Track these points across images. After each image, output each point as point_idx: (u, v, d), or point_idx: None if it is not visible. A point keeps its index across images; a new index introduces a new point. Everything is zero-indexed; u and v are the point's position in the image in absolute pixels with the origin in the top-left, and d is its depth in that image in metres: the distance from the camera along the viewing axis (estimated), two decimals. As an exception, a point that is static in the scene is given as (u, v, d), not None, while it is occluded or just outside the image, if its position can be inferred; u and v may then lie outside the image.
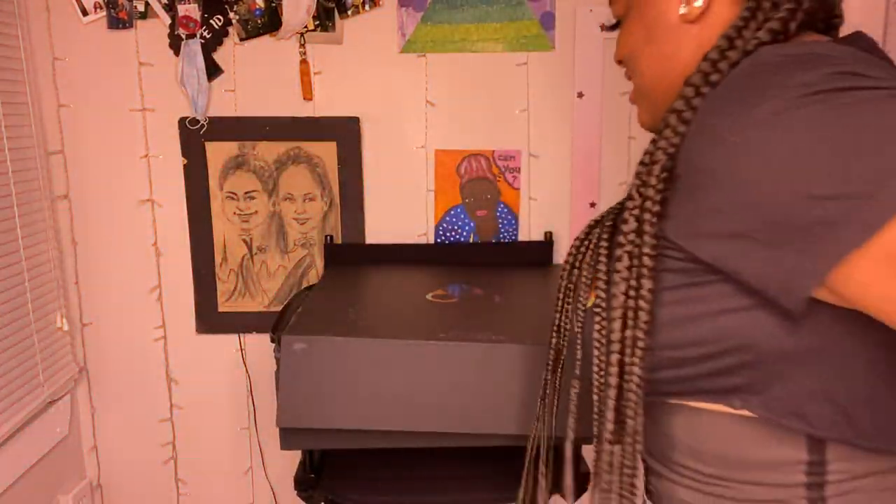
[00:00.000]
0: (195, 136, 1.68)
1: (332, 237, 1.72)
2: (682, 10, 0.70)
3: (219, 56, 1.65)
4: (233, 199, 1.72)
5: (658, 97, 0.75)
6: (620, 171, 1.71)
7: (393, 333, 1.18)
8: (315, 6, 1.60)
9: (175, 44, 1.63)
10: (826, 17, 0.73)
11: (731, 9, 0.69)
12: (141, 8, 1.61)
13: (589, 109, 1.67)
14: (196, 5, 1.60)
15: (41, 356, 1.62)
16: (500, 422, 1.15)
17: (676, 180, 0.65)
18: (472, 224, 1.73)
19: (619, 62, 0.81)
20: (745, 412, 0.67)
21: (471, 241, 1.74)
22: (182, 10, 1.60)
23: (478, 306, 1.36)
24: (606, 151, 1.70)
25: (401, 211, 1.73)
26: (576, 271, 0.80)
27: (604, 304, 0.71)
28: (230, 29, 1.63)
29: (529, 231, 1.73)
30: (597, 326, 0.72)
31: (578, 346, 0.78)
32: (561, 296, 0.82)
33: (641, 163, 0.69)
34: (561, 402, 0.85)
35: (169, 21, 1.62)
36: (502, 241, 1.74)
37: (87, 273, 1.76)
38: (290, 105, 1.67)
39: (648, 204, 0.66)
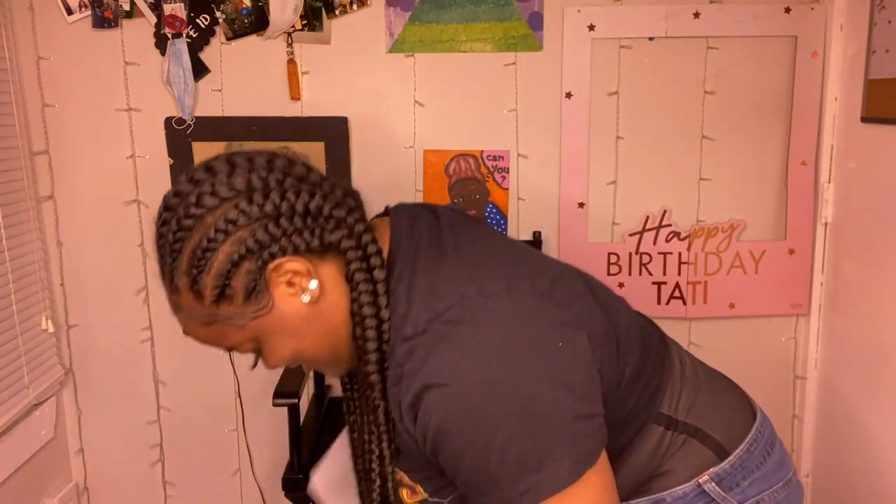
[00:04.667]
0: (182, 136, 1.67)
1: (320, 237, 1.71)
2: (307, 299, 0.79)
3: (205, 55, 1.64)
4: (220, 199, 1.71)
5: (342, 358, 0.85)
6: (608, 172, 1.72)
7: None
8: (302, 6, 1.59)
9: (161, 43, 1.62)
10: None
11: (330, 267, 0.80)
12: (126, 7, 1.60)
13: (577, 109, 1.67)
14: (182, 4, 1.59)
15: (26, 358, 1.60)
16: None
17: None
18: (460, 224, 1.73)
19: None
20: None
21: (459, 241, 1.74)
22: (168, 9, 1.59)
23: None
24: (594, 151, 1.71)
25: (389, 211, 1.73)
26: None
27: None
28: (217, 28, 1.62)
29: (518, 231, 1.74)
30: None
31: None
32: None
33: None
34: None
35: (155, 20, 1.60)
36: (491, 241, 1.73)
37: (73, 274, 1.74)
38: (277, 105, 1.67)
39: None
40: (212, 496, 1.88)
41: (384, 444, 0.83)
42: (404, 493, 0.85)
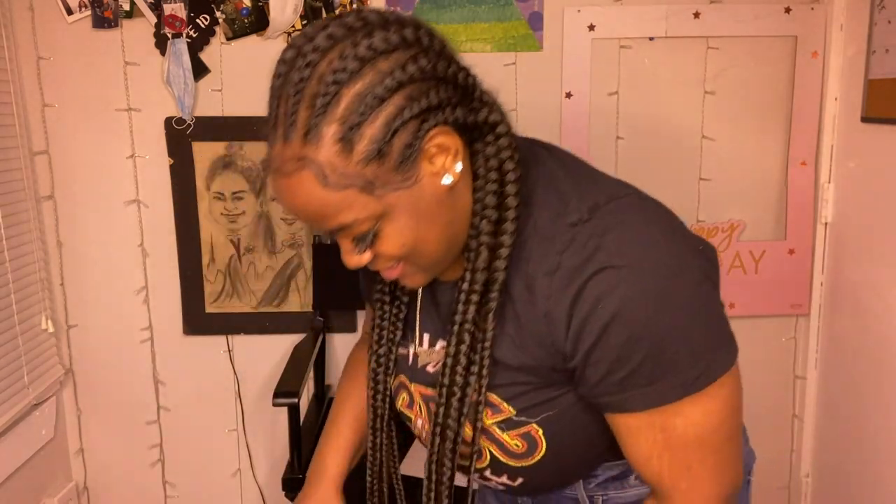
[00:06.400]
0: (182, 136, 1.67)
1: (320, 237, 1.71)
2: (448, 181, 0.72)
3: (205, 55, 1.64)
4: (220, 199, 1.71)
5: (452, 253, 0.79)
6: (608, 171, 1.71)
7: None
8: (302, 6, 1.59)
9: (161, 43, 1.62)
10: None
11: (465, 155, 0.75)
12: (126, 7, 1.60)
13: (577, 109, 1.67)
14: (182, 4, 1.59)
15: (26, 358, 1.60)
16: None
17: None
18: (460, 224, 1.73)
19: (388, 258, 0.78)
20: None
21: (459, 241, 1.73)
22: (168, 9, 1.59)
23: None
24: (594, 151, 1.71)
25: (389, 211, 1.73)
26: None
27: None
28: (217, 28, 1.62)
29: (518, 231, 1.73)
30: None
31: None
32: None
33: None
34: None
35: (155, 20, 1.60)
36: (491, 241, 1.73)
37: (73, 274, 1.74)
38: (277, 105, 1.66)
39: None
40: (212, 496, 1.88)
41: (485, 353, 0.77)
42: (484, 413, 0.80)
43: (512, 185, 0.75)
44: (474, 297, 0.76)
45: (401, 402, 0.91)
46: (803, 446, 1.80)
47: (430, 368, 0.87)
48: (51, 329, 1.69)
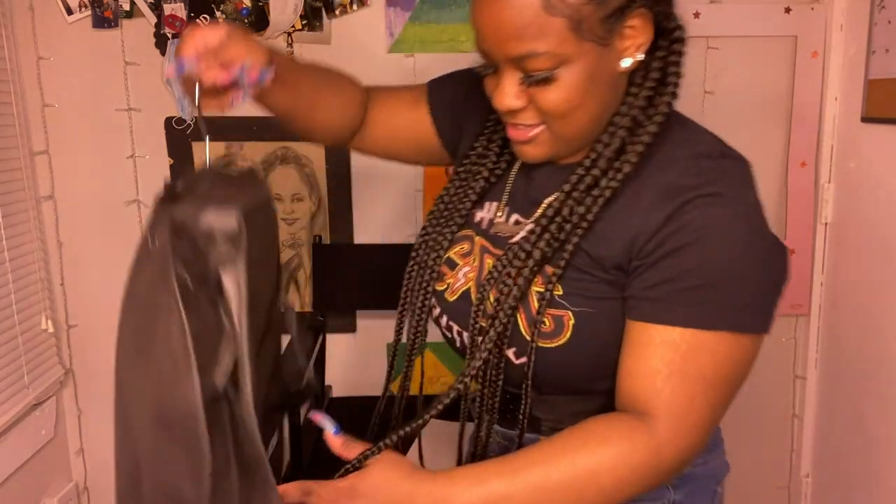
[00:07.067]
0: (181, 137, 1.67)
1: (320, 237, 1.71)
2: (626, 63, 0.78)
3: (205, 55, 1.64)
4: (220, 199, 1.71)
5: (585, 139, 0.83)
6: (608, 171, 1.72)
7: None
8: (302, 5, 1.59)
9: (161, 43, 1.62)
10: None
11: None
12: (126, 7, 1.60)
13: (577, 109, 1.67)
14: (182, 4, 1.59)
15: (26, 358, 1.60)
16: None
17: None
18: (460, 224, 1.73)
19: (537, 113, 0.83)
20: None
21: (459, 241, 1.74)
22: (168, 9, 1.59)
23: None
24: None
25: (389, 211, 1.73)
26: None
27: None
28: (217, 28, 1.62)
29: (518, 231, 1.73)
30: None
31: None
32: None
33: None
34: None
35: (155, 20, 1.61)
36: (491, 241, 1.73)
37: (73, 274, 1.74)
38: (277, 105, 1.66)
39: None
40: (212, 496, 1.87)
41: (577, 232, 0.81)
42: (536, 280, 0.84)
43: (668, 96, 0.81)
44: (588, 179, 0.82)
45: (458, 250, 0.95)
46: (803, 446, 1.80)
47: (501, 234, 0.91)
48: (51, 329, 1.69)
